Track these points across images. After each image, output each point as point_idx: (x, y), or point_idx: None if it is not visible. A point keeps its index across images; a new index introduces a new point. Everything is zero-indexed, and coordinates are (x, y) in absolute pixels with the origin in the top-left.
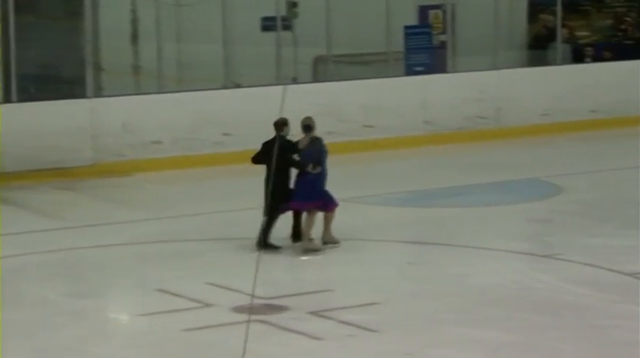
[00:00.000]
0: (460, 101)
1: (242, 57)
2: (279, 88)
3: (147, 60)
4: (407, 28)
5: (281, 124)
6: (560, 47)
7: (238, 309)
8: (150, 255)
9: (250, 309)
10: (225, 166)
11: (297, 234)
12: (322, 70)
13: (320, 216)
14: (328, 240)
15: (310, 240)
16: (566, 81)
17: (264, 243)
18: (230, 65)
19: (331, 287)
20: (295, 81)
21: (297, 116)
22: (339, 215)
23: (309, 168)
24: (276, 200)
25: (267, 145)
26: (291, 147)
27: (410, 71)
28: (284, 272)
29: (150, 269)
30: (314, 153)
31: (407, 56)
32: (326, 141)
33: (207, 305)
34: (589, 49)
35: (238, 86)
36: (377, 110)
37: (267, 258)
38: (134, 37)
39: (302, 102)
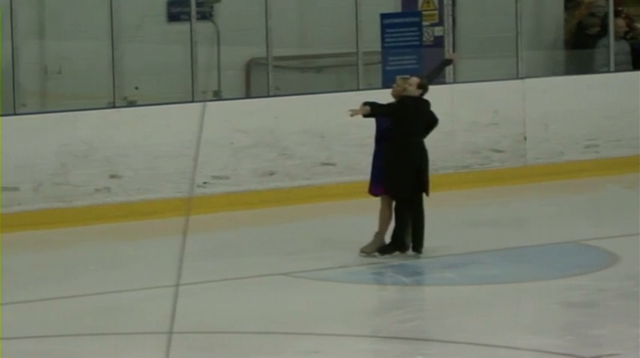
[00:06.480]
0: (464, 126)
1: (137, 60)
2: (195, 106)
3: None
4: (384, 17)
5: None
6: (613, 45)
7: None
8: None
9: None
10: (112, 223)
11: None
12: (258, 79)
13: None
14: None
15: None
16: (623, 96)
17: (401, 242)
18: (119, 72)
19: None
20: (218, 95)
21: (220, 147)
22: (280, 296)
23: None
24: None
25: (413, 106)
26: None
27: (389, 81)
28: None
29: None
30: None
31: (385, 59)
32: (265, 185)
33: None
34: None
35: (132, 104)
36: (340, 139)
37: None
38: None
39: (227, 127)
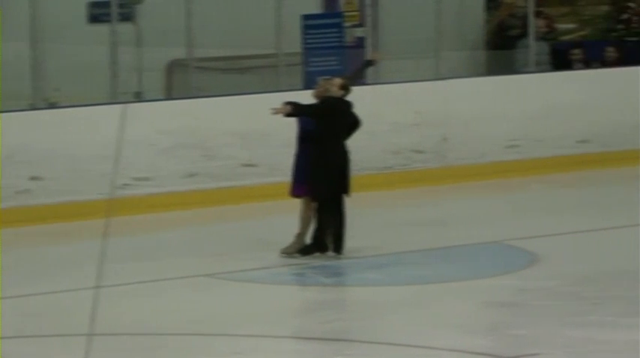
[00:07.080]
0: (386, 127)
1: (58, 61)
2: (116, 107)
3: None
4: (306, 17)
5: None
6: (533, 46)
7: None
8: None
9: None
10: (33, 226)
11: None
12: (180, 80)
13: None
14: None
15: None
16: (543, 96)
17: (321, 243)
18: (40, 74)
19: None
20: (139, 97)
21: (143, 148)
22: (201, 297)
23: None
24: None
25: (336, 107)
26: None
27: (310, 82)
28: None
29: None
30: None
31: (306, 60)
32: (187, 186)
33: None
34: (576, 51)
35: (53, 105)
36: (262, 141)
37: None
38: None
39: (149, 129)
